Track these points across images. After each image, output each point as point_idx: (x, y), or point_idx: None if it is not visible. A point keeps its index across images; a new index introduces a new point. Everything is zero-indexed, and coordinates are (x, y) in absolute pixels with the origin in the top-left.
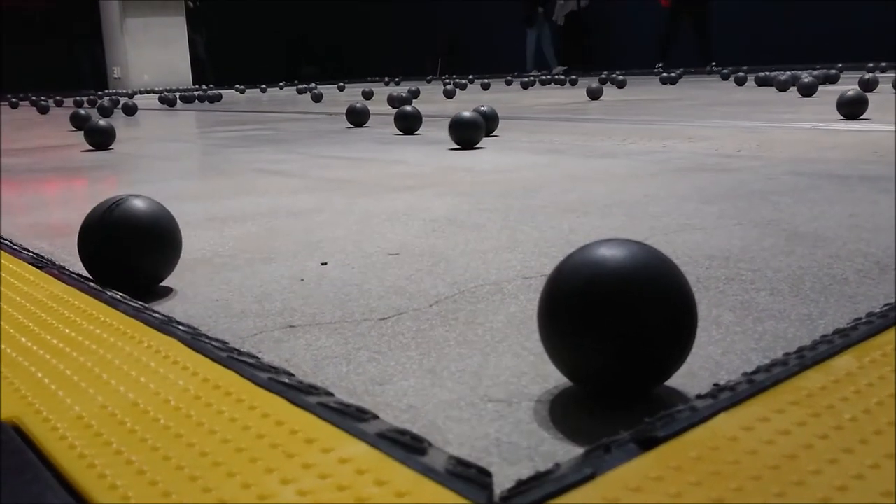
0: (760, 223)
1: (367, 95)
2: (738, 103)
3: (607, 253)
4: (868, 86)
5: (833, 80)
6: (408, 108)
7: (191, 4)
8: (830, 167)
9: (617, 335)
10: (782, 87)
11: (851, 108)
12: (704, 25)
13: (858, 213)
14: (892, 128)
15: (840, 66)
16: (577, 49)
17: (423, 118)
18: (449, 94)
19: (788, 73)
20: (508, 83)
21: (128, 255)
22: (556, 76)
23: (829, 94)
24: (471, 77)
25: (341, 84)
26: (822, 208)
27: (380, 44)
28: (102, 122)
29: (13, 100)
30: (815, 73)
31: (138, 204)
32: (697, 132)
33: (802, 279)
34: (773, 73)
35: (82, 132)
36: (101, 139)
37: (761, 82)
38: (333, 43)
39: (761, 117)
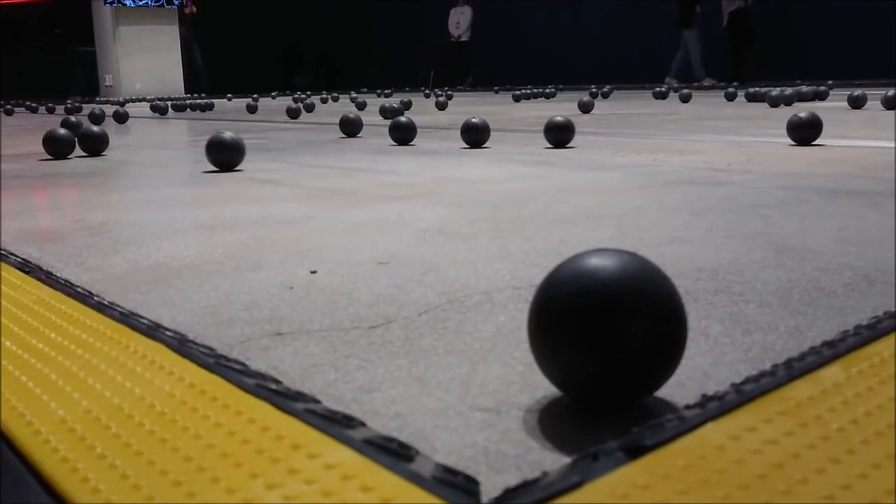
0: (749, 236)
1: (361, 106)
2: (729, 118)
3: (598, 262)
4: (857, 102)
5: (822, 96)
6: (402, 119)
7: (186, 11)
8: (819, 182)
9: (607, 345)
10: (774, 102)
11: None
12: None
13: (847, 226)
14: (879, 144)
15: (830, 82)
16: (741, 55)
17: (417, 129)
18: (441, 106)
19: (780, 88)
20: (449, 97)
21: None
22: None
23: (817, 111)
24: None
25: (335, 95)
26: (811, 222)
27: (372, 56)
28: (95, 128)
29: (7, 106)
30: (805, 89)
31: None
32: (688, 146)
33: (791, 292)
34: (764, 90)
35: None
36: (93, 145)
37: (751, 98)
38: (325, 55)
39: (750, 132)
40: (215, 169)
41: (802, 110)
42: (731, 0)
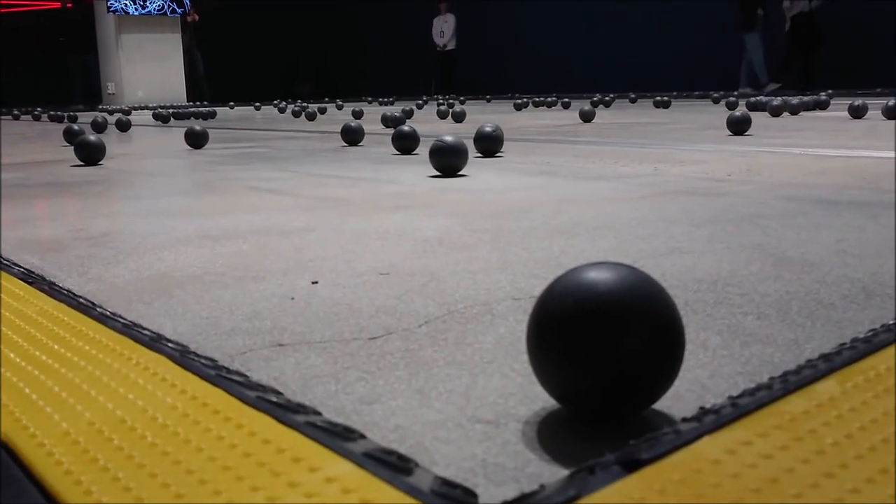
0: (749, 247)
1: (358, 115)
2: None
3: (597, 276)
4: (857, 112)
5: (823, 105)
6: (405, 128)
7: (189, 19)
8: (819, 192)
9: (605, 358)
10: (775, 112)
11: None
12: None
13: (845, 238)
14: (880, 154)
15: (830, 91)
16: (804, 61)
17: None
18: (442, 115)
19: (782, 98)
20: (419, 106)
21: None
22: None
23: (818, 120)
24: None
25: (339, 103)
26: (810, 233)
27: (374, 63)
28: (93, 136)
29: (15, 112)
30: (806, 98)
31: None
32: (688, 156)
33: (789, 304)
34: (766, 99)
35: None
36: (90, 154)
37: (752, 107)
38: (326, 63)
39: (751, 142)
40: (214, 177)
41: (739, 110)
42: (794, 3)
